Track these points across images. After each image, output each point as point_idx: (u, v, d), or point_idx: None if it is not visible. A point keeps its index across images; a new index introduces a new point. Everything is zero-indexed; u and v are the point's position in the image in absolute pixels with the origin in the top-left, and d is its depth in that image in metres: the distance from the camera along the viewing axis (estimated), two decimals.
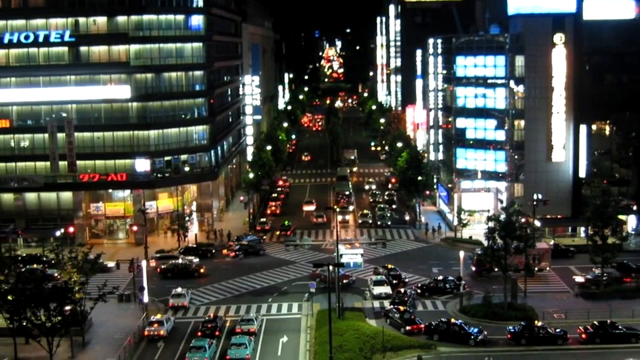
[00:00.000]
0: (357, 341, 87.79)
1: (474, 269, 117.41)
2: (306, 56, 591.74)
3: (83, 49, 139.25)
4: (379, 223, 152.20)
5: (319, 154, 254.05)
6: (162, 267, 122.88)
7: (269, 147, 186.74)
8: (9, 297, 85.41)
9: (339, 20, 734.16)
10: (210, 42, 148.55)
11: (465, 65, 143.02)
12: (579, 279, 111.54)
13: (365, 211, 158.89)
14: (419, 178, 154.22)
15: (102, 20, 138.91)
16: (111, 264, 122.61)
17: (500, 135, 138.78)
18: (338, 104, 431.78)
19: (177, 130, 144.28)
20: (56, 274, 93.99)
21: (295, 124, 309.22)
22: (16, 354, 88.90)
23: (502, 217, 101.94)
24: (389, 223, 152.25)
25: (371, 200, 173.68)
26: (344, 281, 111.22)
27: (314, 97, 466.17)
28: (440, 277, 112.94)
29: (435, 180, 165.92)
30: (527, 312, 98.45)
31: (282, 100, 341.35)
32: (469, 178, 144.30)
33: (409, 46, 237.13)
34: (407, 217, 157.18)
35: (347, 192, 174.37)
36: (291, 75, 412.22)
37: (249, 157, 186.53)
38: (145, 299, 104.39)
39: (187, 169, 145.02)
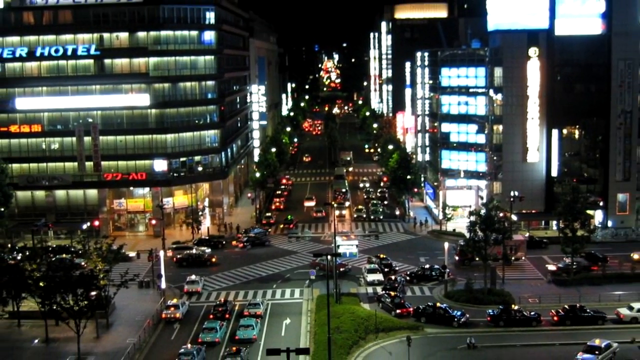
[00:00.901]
0: (353, 323, 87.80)
1: (457, 258, 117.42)
2: (307, 68, 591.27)
3: (107, 61, 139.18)
4: (372, 217, 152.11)
5: (318, 156, 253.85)
6: (178, 256, 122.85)
7: (273, 149, 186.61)
8: (41, 284, 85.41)
9: (337, 35, 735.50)
10: (221, 55, 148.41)
11: (450, 76, 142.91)
12: (551, 267, 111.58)
13: (360, 206, 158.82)
14: (408, 177, 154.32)
15: (124, 35, 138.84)
16: (132, 254, 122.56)
17: (481, 139, 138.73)
18: (335, 110, 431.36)
19: (191, 134, 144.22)
20: (83, 263, 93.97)
21: (297, 129, 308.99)
22: (47, 334, 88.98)
23: (483, 212, 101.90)
24: (381, 217, 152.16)
25: (365, 196, 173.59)
26: (341, 269, 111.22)
27: (314, 104, 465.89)
28: (427, 266, 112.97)
29: (422, 179, 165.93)
30: (504, 297, 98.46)
31: (286, 107, 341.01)
32: (452, 177, 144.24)
33: (399, 59, 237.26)
34: (397, 212, 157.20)
35: (343, 190, 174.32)
36: (293, 85, 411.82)
37: (256, 158, 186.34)
38: (163, 285, 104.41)
39: (200, 168, 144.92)
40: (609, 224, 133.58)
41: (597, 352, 79.45)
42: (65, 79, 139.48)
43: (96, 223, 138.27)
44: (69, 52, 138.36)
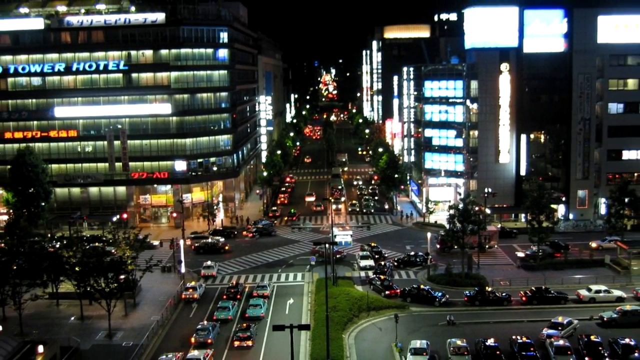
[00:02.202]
0: (347, 302, 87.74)
1: (438, 246, 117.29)
2: (308, 81, 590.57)
3: (134, 75, 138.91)
4: (364, 210, 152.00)
5: (317, 157, 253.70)
6: (196, 245, 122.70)
7: (278, 152, 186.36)
8: (77, 269, 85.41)
9: (334, 52, 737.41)
10: (233, 70, 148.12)
11: (432, 88, 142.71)
12: (520, 254, 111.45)
13: (354, 201, 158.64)
14: (396, 175, 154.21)
15: (148, 52, 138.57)
16: (156, 243, 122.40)
17: (459, 142, 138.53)
18: (332, 118, 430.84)
19: (207, 138, 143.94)
20: (113, 251, 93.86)
21: (299, 134, 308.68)
22: (82, 312, 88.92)
23: (461, 206, 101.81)
24: (372, 211, 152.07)
25: (358, 193, 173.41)
26: (337, 256, 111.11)
27: (313, 112, 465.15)
28: (412, 253, 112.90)
29: (408, 177, 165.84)
30: (479, 280, 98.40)
31: (289, 115, 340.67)
32: (434, 176, 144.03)
33: (388, 73, 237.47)
34: (386, 206, 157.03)
35: (339, 187, 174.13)
36: (296, 96, 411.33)
37: (263, 159, 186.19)
38: (183, 269, 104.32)
39: (215, 168, 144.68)
40: (570, 216, 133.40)
41: (560, 328, 79.56)
42: (97, 90, 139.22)
43: (124, 216, 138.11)
44: (101, 67, 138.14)
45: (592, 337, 75.76)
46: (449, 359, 73.77)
